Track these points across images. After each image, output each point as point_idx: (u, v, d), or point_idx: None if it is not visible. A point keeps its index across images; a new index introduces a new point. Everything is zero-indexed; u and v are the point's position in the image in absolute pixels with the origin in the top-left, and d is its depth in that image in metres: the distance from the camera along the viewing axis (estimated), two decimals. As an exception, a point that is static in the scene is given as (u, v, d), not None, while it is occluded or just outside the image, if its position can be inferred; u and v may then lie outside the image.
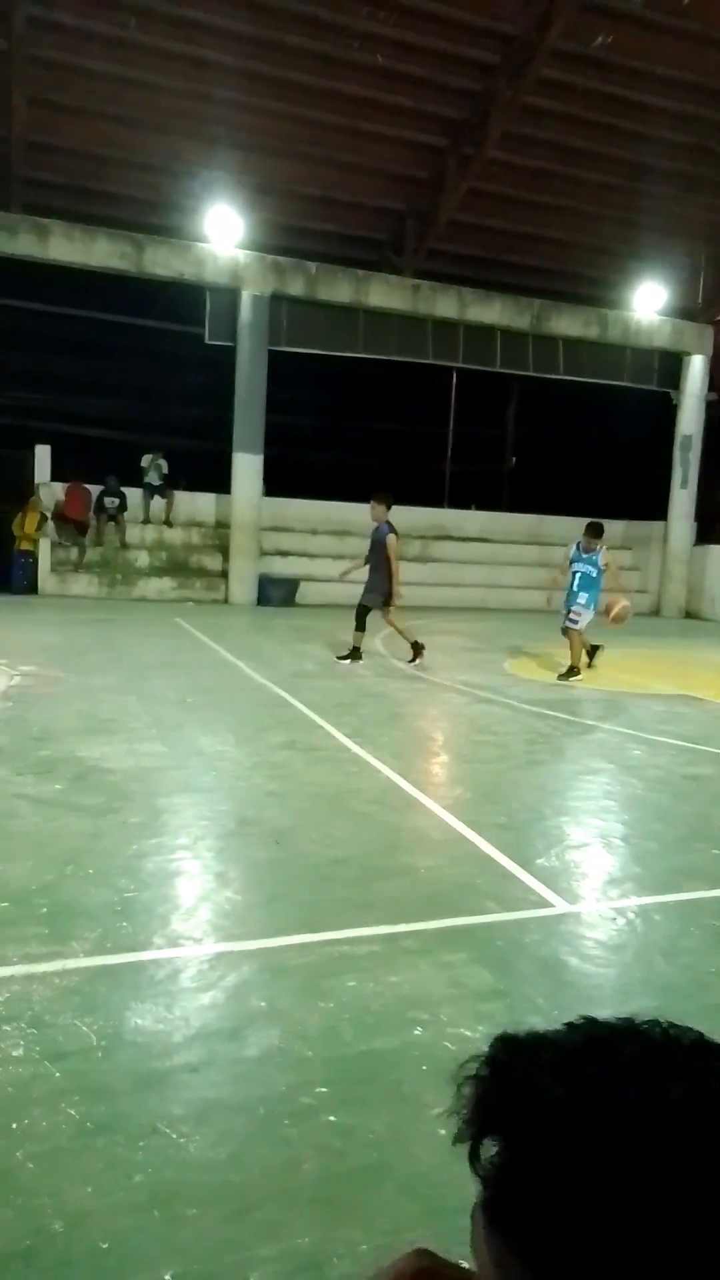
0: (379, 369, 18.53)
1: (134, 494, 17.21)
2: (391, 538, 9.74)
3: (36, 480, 16.51)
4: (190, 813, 4.93)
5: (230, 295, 16.00)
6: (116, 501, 16.85)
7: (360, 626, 9.89)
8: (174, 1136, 2.35)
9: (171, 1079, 2.62)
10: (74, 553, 16.41)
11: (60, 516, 16.40)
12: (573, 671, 9.38)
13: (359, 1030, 2.88)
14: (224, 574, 16.76)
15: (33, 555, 15.92)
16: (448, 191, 15.90)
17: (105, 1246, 2.01)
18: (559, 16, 12.83)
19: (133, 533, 17.09)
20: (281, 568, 17.22)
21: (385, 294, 16.86)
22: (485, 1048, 0.54)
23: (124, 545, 16.89)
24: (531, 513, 20.66)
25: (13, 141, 13.78)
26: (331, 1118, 2.46)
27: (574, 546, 9.68)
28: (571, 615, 9.37)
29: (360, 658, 9.96)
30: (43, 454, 16.67)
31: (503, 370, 18.93)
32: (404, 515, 19.07)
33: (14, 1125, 2.36)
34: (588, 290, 18.54)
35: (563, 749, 6.98)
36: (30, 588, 15.76)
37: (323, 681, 9.04)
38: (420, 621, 9.38)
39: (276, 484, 17.23)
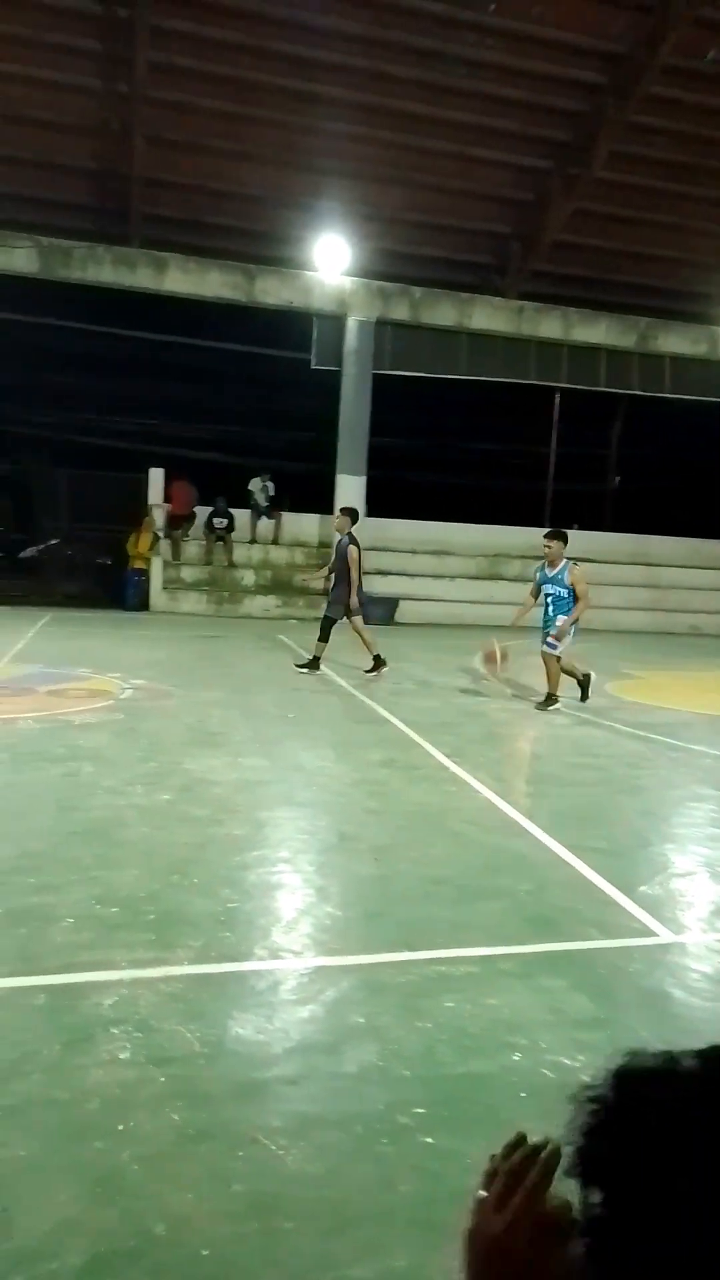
0: (480, 390, 18.53)
1: (242, 515, 17.65)
2: (353, 549, 9.89)
3: (150, 502, 17.15)
4: (291, 827, 5.00)
5: (336, 321, 16.29)
6: (225, 522, 17.32)
7: (324, 637, 10.06)
8: (273, 1148, 2.38)
9: (270, 1090, 2.65)
10: (178, 549, 16.97)
11: (170, 517, 17.03)
12: (550, 700, 8.50)
13: (457, 1052, 2.85)
14: (326, 593, 16.94)
15: (145, 573, 16.51)
16: (553, 212, 15.83)
17: (205, 1254, 2.04)
18: (671, 32, 12.66)
19: (240, 552, 17.50)
20: (381, 587, 17.31)
21: (489, 316, 16.86)
22: (600, 1075, 0.53)
23: (231, 564, 17.32)
24: (636, 533, 20.20)
25: (133, 179, 14.41)
26: (429, 1139, 2.44)
27: (541, 566, 8.76)
28: (549, 640, 8.49)
29: (318, 668, 10.05)
30: (156, 477, 17.30)
31: (608, 389, 18.64)
32: (503, 536, 19.04)
33: (120, 1127, 2.43)
34: (697, 307, 18.10)
35: (666, 774, 6.77)
36: (142, 604, 16.33)
37: (421, 700, 9.03)
38: (519, 641, 9.23)
39: (377, 504, 17.40)
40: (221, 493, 17.36)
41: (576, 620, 8.42)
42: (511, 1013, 3.10)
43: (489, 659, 8.99)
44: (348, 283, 16.00)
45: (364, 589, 10.22)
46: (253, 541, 17.84)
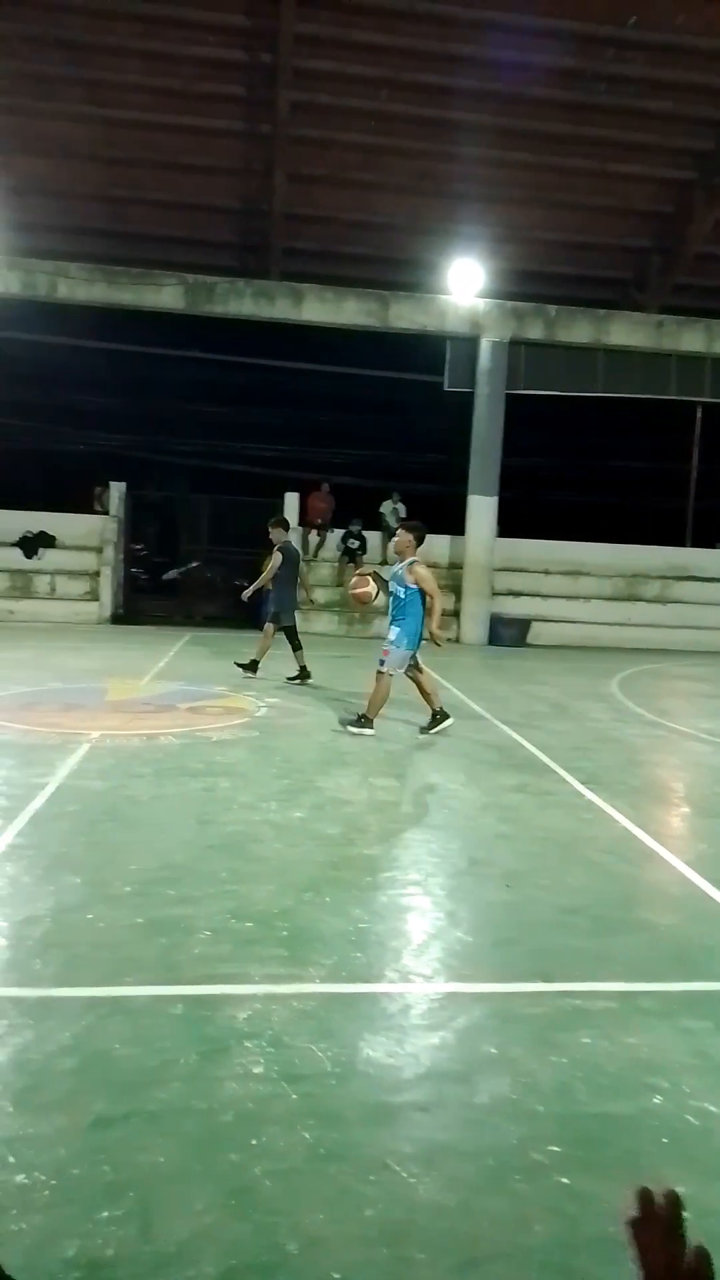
0: (617, 407, 18.09)
1: (374, 537, 17.84)
2: (277, 555, 10.36)
3: (284, 525, 17.59)
4: (422, 849, 4.97)
5: (469, 343, 16.30)
6: (358, 544, 17.56)
7: (296, 645, 10.47)
8: (404, 1175, 2.36)
9: (401, 1116, 2.63)
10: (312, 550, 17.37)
11: (304, 523, 17.43)
12: (363, 721, 7.59)
13: (593, 1090, 2.75)
14: (456, 614, 16.90)
15: (278, 595, 16.92)
16: (696, 224, 15.37)
17: (337, 1277, 2.03)
18: None
19: (370, 574, 17.68)
20: (513, 608, 17.10)
21: (627, 332, 16.48)
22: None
23: (361, 586, 17.54)
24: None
25: (273, 215, 14.93)
26: (564, 1179, 2.36)
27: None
28: (381, 654, 7.61)
29: (309, 675, 10.35)
30: (291, 501, 17.72)
31: (755, 403, 17.84)
32: (640, 555, 18.46)
33: (253, 1141, 2.46)
34: None
35: None
36: (274, 626, 16.72)
37: (555, 724, 8.84)
38: (659, 665, 8.90)
39: (511, 525, 17.23)
40: (355, 515, 17.63)
41: (429, 630, 7.47)
42: (652, 1053, 2.97)
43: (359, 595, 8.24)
44: (481, 304, 16.00)
45: (279, 598, 10.47)
46: (384, 563, 17.96)
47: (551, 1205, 2.27)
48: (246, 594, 10.27)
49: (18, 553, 16.65)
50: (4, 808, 5.19)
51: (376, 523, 17.94)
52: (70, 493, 18.00)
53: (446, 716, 7.91)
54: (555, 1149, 2.47)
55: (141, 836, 4.90)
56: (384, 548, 17.96)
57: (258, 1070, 2.77)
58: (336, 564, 17.68)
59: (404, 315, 16.02)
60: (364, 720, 7.62)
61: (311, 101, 13.34)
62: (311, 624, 16.89)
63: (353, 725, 7.64)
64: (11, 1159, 2.31)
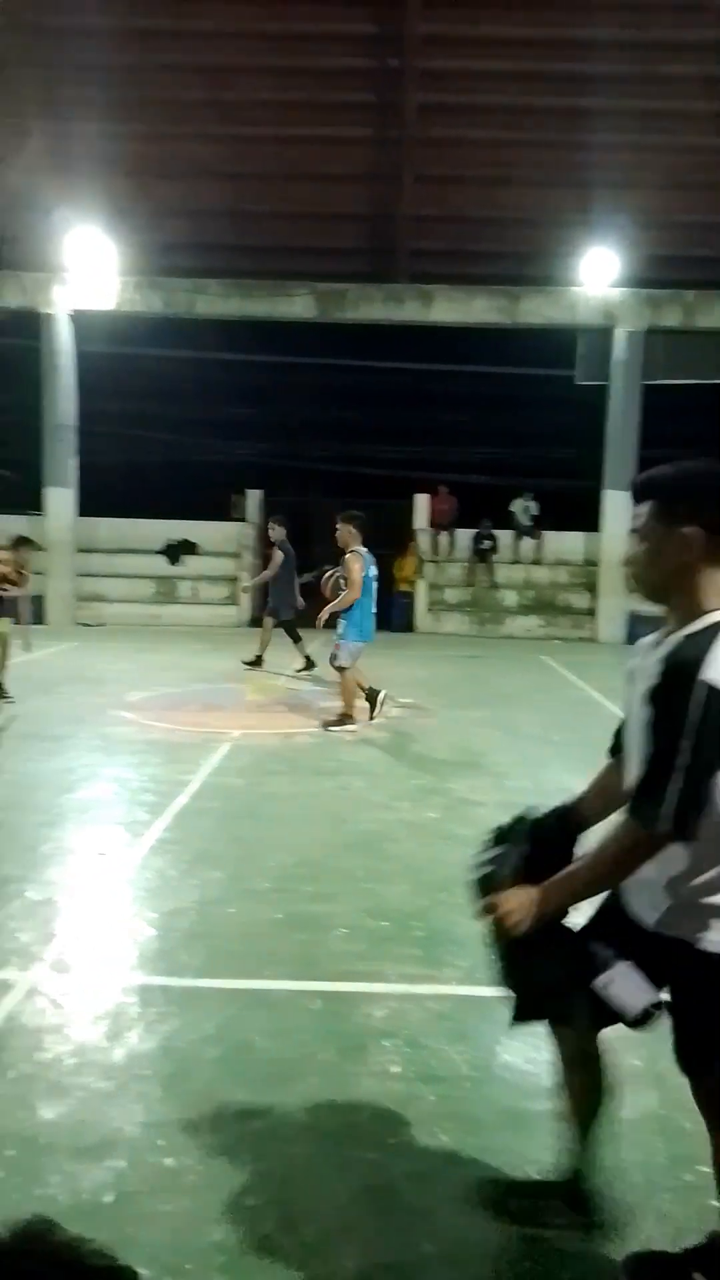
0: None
1: (505, 536, 17.63)
2: (277, 553, 10.92)
3: (415, 527, 17.63)
4: (559, 854, 4.86)
5: (601, 335, 15.86)
6: (489, 544, 17.40)
7: (296, 638, 10.79)
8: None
9: (542, 1124, 2.57)
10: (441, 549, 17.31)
11: (431, 524, 17.41)
12: (343, 720, 7.50)
13: (747, 1112, 2.61)
14: (591, 612, 16.48)
15: (410, 596, 16.98)
16: None
17: (479, 1283, 2.01)
18: None
19: (502, 573, 17.48)
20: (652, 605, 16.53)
21: (773, 313, 15.64)
22: None
23: (494, 585, 17.34)
24: None
25: (400, 218, 14.98)
26: (716, 1204, 2.25)
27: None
28: (334, 649, 7.53)
29: (314, 665, 10.52)
30: (420, 503, 17.76)
31: None
32: None
33: (391, 1140, 2.47)
34: None
35: None
36: (407, 626, 16.78)
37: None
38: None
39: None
40: (485, 514, 17.47)
41: (338, 615, 7.43)
42: None
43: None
44: (614, 294, 15.54)
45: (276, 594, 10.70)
46: (515, 562, 17.73)
47: (702, 1229, 2.17)
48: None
49: (163, 560, 17.38)
50: (152, 803, 5.42)
51: (508, 522, 17.72)
52: (210, 501, 18.61)
53: (351, 720, 7.61)
54: (705, 1169, 2.36)
55: (279, 833, 5.01)
56: (515, 547, 17.72)
57: (395, 1070, 2.78)
58: (466, 565, 17.56)
59: (534, 310, 15.75)
60: (344, 718, 7.57)
61: (439, 102, 13.30)
62: (442, 624, 16.86)
63: (334, 726, 7.52)
64: (161, 1142, 2.40)
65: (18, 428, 16.67)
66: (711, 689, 1.61)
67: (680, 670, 1.66)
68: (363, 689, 7.80)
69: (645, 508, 1.81)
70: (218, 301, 15.61)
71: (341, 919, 3.82)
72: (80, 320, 15.77)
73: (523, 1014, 2.05)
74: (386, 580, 17.27)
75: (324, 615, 7.81)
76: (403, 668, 11.01)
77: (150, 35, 11.91)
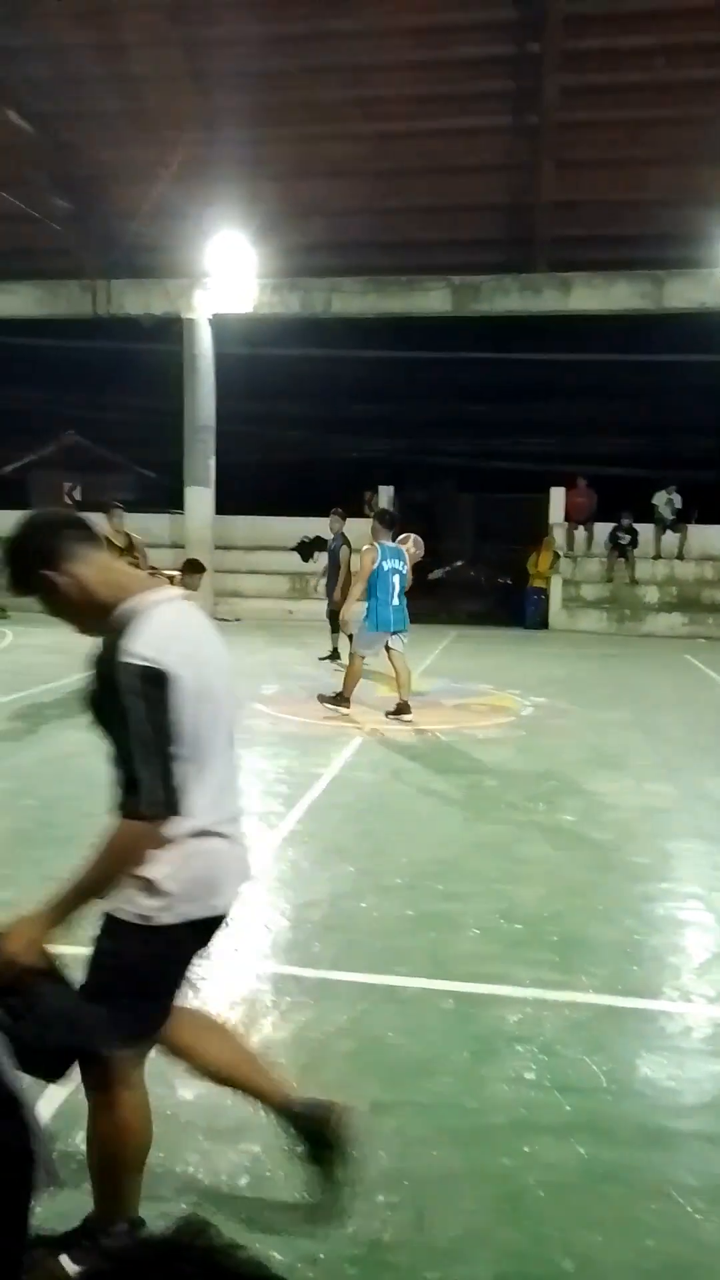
0: None
1: (646, 530, 17.03)
2: (344, 549, 10.95)
3: (551, 521, 17.26)
4: (701, 861, 4.66)
5: (755, 316, 15.08)
6: (628, 538, 16.84)
7: (335, 629, 10.89)
8: (688, 1208, 2.21)
9: (683, 1144, 2.47)
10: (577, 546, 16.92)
11: (566, 519, 17.03)
12: (338, 698, 7.71)
13: None
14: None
15: (545, 592, 16.64)
16: None
17: (615, 1302, 1.95)
18: None
19: (643, 568, 16.89)
20: None
21: None
22: None
23: (634, 581, 16.78)
24: None
25: (538, 206, 14.67)
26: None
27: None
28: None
29: (338, 656, 10.55)
30: (557, 496, 17.37)
31: None
32: None
33: (525, 1148, 2.42)
34: None
35: None
36: (541, 623, 16.46)
37: None
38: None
39: None
40: (626, 507, 16.89)
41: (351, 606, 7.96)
42: None
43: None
44: (768, 274, 14.73)
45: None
46: (657, 557, 17.09)
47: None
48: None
49: (296, 556, 17.71)
50: (285, 795, 5.52)
51: (650, 515, 17.09)
52: (343, 498, 18.83)
53: (408, 710, 7.64)
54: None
55: (410, 829, 5.00)
56: (657, 541, 17.09)
57: (529, 1076, 2.72)
58: (605, 560, 17.06)
59: (680, 294, 15.11)
60: (339, 698, 7.74)
61: (581, 84, 12.92)
62: (578, 621, 16.45)
63: (330, 702, 7.77)
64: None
65: (160, 430, 17.35)
66: (132, 665, 1.70)
67: (105, 661, 1.76)
68: (351, 685, 7.85)
69: None
70: (354, 299, 15.72)
71: (473, 919, 3.78)
72: (219, 323, 16.23)
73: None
74: (520, 576, 17.07)
75: (348, 605, 8.47)
76: (537, 665, 10.81)
77: (292, 40, 12.09)
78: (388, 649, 7.74)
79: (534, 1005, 3.12)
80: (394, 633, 7.68)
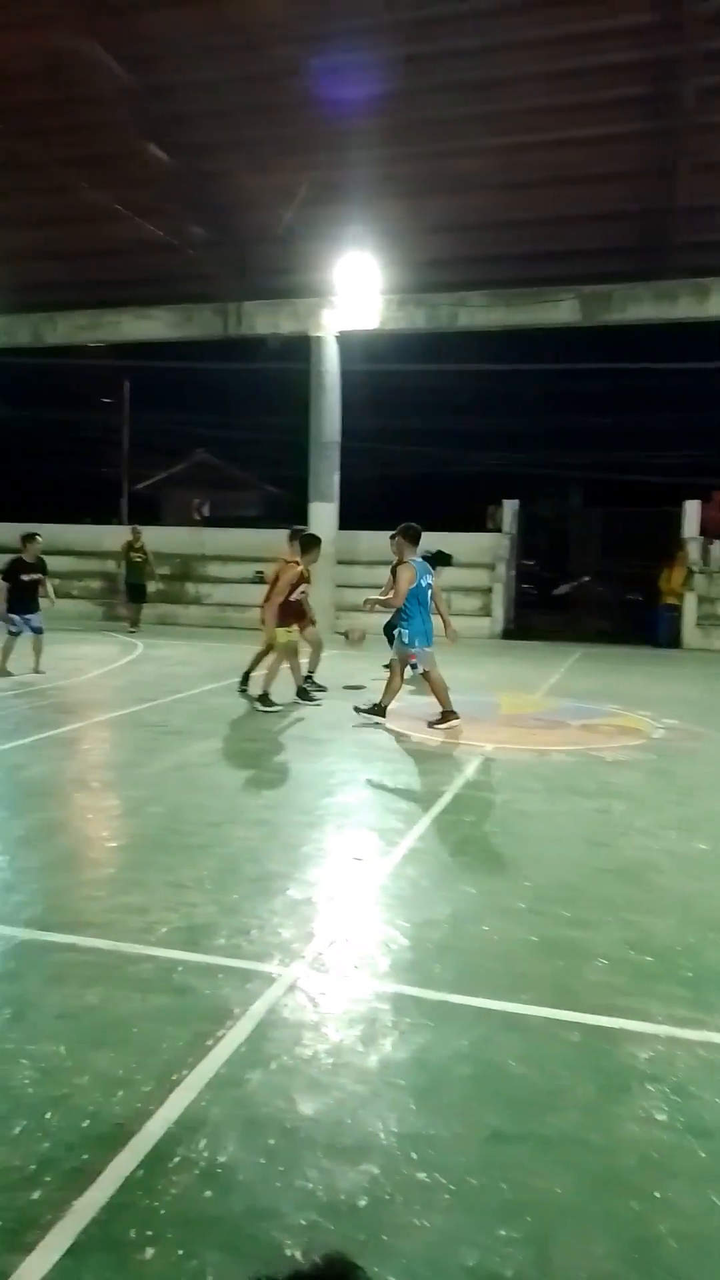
0: None
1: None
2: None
3: (685, 536, 16.63)
4: None
5: None
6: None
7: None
8: None
9: None
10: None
11: (703, 533, 16.37)
12: (446, 717, 7.80)
13: None
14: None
15: (678, 609, 16.04)
16: None
17: None
18: None
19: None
20: None
21: None
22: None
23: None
24: None
25: (673, 211, 14.24)
26: None
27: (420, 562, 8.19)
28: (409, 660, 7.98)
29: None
30: (691, 510, 16.74)
31: None
32: None
33: (656, 1193, 2.30)
34: None
35: None
36: (673, 641, 15.87)
37: None
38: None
39: None
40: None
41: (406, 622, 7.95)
42: None
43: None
44: None
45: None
46: None
47: None
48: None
49: (417, 570, 17.68)
50: (405, 812, 5.49)
51: None
52: (466, 512, 18.74)
53: (382, 714, 8.06)
54: None
55: (534, 852, 4.88)
56: None
57: (660, 1117, 2.59)
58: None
59: None
60: (446, 715, 7.82)
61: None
62: (713, 640, 15.77)
63: (439, 725, 7.76)
64: (414, 1155, 2.39)
65: (286, 446, 17.72)
66: None
67: None
68: (392, 695, 8.13)
69: None
70: (480, 313, 15.66)
71: (601, 948, 3.64)
72: (344, 340, 16.46)
73: None
74: (651, 593, 16.51)
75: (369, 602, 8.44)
76: (669, 686, 10.41)
77: (421, 60, 12.19)
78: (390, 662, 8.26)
79: (666, 1043, 2.97)
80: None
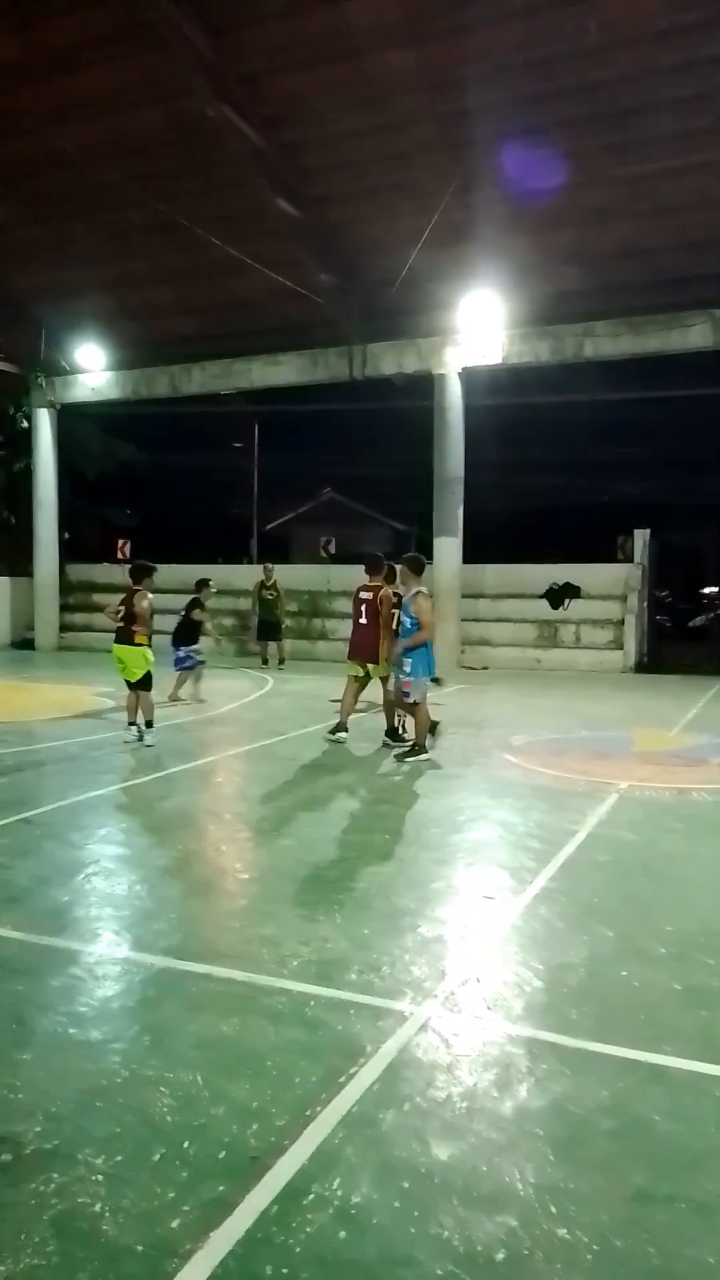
0: None
1: None
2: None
3: None
4: None
5: None
6: None
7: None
8: None
9: None
10: None
11: None
12: (415, 750, 7.93)
13: None
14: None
15: None
16: None
17: None
18: None
19: None
20: None
21: None
22: None
23: None
24: None
25: None
26: None
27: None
28: (403, 687, 8.02)
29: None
30: None
31: None
32: None
33: None
34: None
35: None
36: None
37: None
38: None
39: None
40: None
41: (410, 649, 7.89)
42: None
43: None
44: None
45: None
46: None
47: None
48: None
49: (545, 604, 17.43)
50: (538, 851, 5.36)
51: None
52: (594, 543, 18.37)
53: (423, 750, 8.00)
54: None
55: (676, 895, 4.67)
56: None
57: None
58: None
59: None
60: (417, 749, 7.93)
61: None
62: None
63: (408, 757, 7.85)
64: (554, 1209, 2.30)
65: (410, 483, 17.85)
66: None
67: None
68: (424, 730, 8.08)
69: None
70: (607, 342, 15.43)
71: (752, 1000, 3.43)
72: (467, 375, 16.52)
73: None
74: None
75: (396, 650, 8.12)
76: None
77: (548, 97, 12.24)
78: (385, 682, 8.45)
79: None
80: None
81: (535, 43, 11.51)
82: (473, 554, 17.21)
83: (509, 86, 12.09)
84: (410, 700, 8.03)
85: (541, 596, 17.47)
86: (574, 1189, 2.38)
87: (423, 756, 7.89)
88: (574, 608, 17.35)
